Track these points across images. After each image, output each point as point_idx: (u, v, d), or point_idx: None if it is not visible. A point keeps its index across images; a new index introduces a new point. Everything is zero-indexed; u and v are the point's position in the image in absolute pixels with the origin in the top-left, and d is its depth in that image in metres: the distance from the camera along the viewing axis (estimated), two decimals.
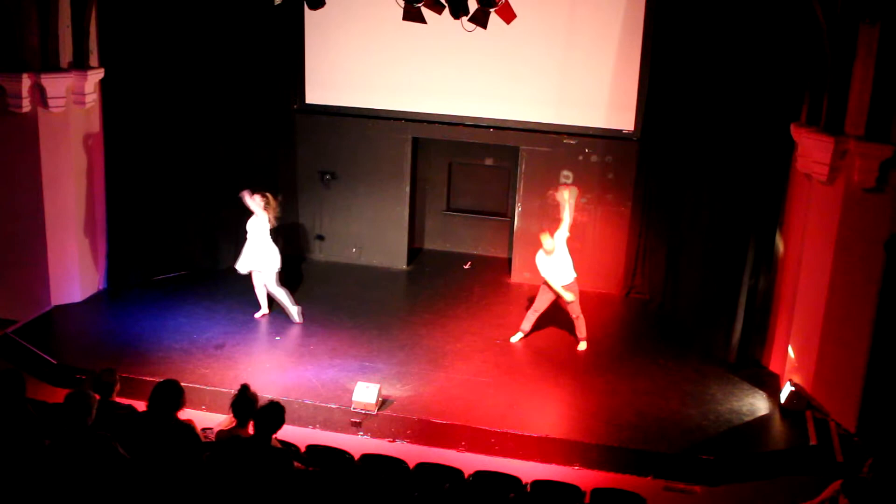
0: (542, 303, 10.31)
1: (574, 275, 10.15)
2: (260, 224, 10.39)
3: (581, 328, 10.29)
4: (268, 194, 10.51)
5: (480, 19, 7.94)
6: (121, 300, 11.27)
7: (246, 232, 10.52)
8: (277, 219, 10.58)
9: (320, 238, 12.80)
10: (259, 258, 10.45)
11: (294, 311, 10.68)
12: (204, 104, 11.67)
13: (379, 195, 12.51)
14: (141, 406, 6.75)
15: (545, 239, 10.00)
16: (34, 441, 6.10)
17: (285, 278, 10.84)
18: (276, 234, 10.71)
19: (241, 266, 10.57)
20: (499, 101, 11.92)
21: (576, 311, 10.21)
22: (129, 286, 11.53)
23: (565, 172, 11.95)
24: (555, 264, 10.06)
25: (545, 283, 10.17)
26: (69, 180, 10.67)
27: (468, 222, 13.26)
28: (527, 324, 10.48)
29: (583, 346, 10.34)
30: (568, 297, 10.03)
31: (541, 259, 10.11)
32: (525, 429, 8.73)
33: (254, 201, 10.38)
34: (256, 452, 5.98)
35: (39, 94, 10.14)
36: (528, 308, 10.57)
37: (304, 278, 12.11)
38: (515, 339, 10.51)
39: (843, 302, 8.90)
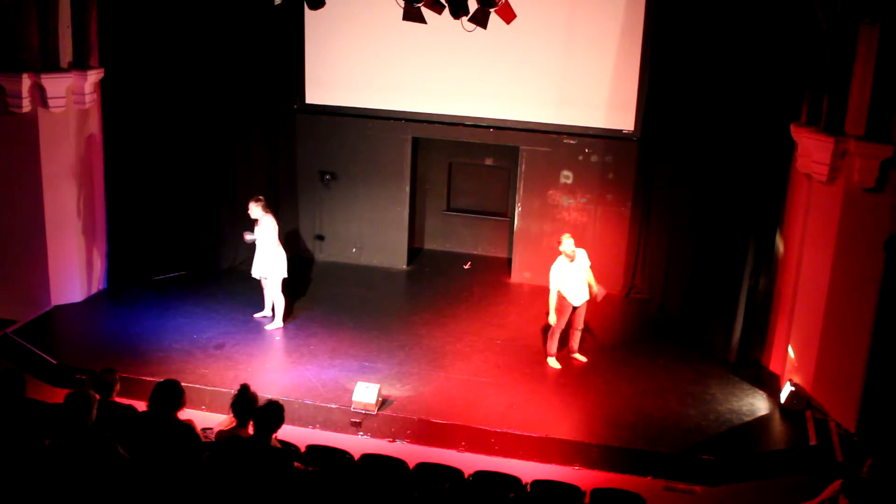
0: (564, 321, 9.92)
1: (585, 298, 9.89)
2: (265, 230, 10.31)
3: (576, 340, 10.18)
4: (261, 197, 10.41)
5: (480, 19, 7.94)
6: (121, 300, 11.27)
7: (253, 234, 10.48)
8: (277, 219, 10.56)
9: (320, 238, 12.80)
10: (266, 265, 10.41)
11: (278, 324, 10.61)
12: (204, 104, 11.67)
13: (379, 195, 12.51)
14: (141, 406, 6.75)
15: (567, 240, 9.74)
16: (34, 441, 6.10)
17: (286, 279, 10.82)
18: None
19: (254, 271, 10.56)
20: (499, 101, 11.92)
21: (580, 324, 10.05)
22: (129, 286, 11.53)
23: (565, 172, 11.95)
24: (572, 278, 9.78)
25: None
26: (69, 180, 10.68)
27: (468, 222, 13.26)
28: (553, 345, 10.09)
29: (580, 357, 10.22)
30: (551, 318, 9.83)
31: (560, 265, 9.80)
32: (525, 429, 8.73)
33: (255, 207, 10.27)
34: (256, 452, 5.98)
35: (39, 94, 10.14)
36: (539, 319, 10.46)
37: (305, 278, 12.11)
38: (554, 364, 10.08)
39: (843, 302, 8.90)
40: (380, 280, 12.37)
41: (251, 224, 10.43)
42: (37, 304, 10.73)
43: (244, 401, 6.54)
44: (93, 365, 8.80)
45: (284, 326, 10.61)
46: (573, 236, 9.85)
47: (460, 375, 9.72)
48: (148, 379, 8.82)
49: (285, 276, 10.49)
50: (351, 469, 7.11)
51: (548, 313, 9.89)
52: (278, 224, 10.46)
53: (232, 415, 6.66)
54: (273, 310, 10.68)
